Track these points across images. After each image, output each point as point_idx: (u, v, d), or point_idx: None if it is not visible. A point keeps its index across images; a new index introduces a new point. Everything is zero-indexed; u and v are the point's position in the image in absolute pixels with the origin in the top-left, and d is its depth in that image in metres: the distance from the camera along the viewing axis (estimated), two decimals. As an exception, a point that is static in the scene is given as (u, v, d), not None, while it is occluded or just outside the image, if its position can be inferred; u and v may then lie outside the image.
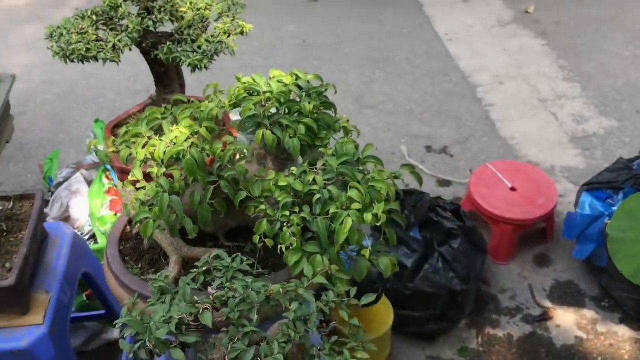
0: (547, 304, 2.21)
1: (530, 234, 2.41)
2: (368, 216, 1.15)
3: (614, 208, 2.08)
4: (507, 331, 2.13)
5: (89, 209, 2.05)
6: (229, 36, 1.64)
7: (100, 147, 2.18)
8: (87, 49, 1.56)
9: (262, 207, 1.19)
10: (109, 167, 2.14)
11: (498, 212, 2.27)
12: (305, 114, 1.29)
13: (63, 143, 3.00)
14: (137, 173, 1.24)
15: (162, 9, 1.63)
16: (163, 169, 1.21)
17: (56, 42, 1.62)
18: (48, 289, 1.44)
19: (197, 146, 1.19)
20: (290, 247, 1.14)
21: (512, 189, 2.36)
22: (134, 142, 1.29)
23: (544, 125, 3.11)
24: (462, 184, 2.70)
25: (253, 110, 1.25)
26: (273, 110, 1.30)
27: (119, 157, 1.28)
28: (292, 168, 1.23)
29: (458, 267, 2.02)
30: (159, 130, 1.32)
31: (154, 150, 1.20)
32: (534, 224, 2.34)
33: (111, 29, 1.63)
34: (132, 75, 3.52)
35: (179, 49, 1.59)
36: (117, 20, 1.66)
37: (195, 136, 1.22)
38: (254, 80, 1.35)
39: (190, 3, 1.68)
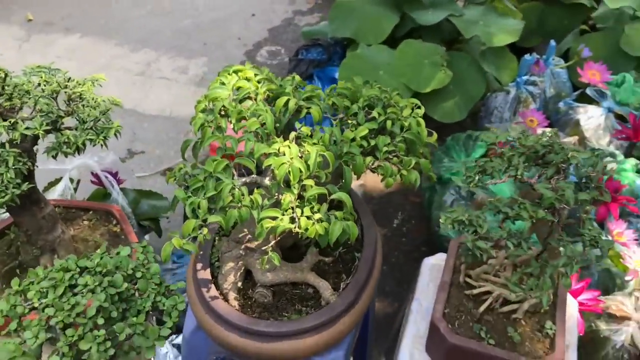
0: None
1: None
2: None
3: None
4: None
5: None
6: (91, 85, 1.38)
7: None
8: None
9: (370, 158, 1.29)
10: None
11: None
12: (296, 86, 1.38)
13: None
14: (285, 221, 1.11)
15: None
16: (297, 190, 1.15)
17: None
18: None
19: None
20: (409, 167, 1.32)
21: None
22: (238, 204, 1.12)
23: (166, 90, 3.37)
24: None
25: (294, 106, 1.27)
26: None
27: (241, 219, 1.11)
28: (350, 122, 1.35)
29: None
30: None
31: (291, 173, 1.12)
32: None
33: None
34: None
35: (77, 134, 1.27)
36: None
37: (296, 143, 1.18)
38: (241, 86, 1.31)
39: (16, 87, 1.29)
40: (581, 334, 1.66)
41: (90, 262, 0.73)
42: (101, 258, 0.72)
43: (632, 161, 2.16)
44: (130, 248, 0.82)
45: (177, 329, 1.94)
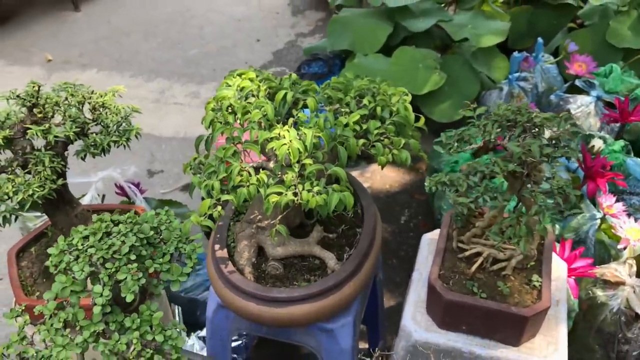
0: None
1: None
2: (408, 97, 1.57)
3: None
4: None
5: None
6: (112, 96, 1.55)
7: None
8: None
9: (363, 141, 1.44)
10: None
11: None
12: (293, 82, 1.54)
13: None
14: (289, 195, 1.27)
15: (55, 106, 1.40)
16: (297, 169, 1.30)
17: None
18: None
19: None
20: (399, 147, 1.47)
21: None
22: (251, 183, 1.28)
23: (180, 114, 3.57)
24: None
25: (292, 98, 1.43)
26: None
27: (250, 196, 1.26)
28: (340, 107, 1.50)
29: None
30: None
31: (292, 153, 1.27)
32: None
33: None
34: None
35: (103, 137, 1.44)
36: None
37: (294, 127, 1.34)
38: (242, 88, 1.47)
39: (47, 98, 1.47)
40: (575, 299, 1.77)
41: (122, 217, 0.88)
42: (130, 214, 0.87)
43: (620, 142, 2.28)
44: (155, 212, 0.97)
45: (201, 325, 2.08)
